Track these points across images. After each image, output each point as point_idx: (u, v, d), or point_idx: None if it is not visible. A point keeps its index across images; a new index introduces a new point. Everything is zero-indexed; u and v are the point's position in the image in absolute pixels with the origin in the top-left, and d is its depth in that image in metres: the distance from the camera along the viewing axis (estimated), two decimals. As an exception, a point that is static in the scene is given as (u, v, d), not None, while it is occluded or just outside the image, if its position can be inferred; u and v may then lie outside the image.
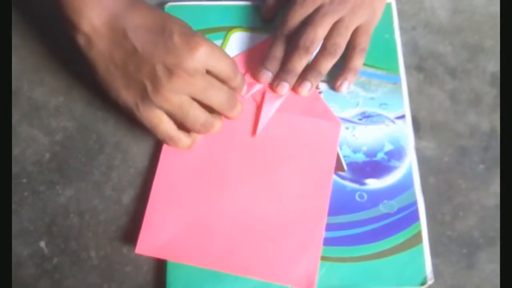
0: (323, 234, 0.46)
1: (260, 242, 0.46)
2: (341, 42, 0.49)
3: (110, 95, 0.45)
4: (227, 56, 0.45)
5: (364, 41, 0.50)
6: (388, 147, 0.49)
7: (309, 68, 0.49)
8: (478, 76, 0.53)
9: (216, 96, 0.44)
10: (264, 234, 0.46)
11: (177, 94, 0.43)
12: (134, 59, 0.43)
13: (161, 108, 0.44)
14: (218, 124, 0.47)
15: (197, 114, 0.45)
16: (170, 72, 0.42)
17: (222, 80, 0.45)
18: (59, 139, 0.50)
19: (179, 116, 0.44)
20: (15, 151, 0.49)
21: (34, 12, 0.54)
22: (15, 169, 0.49)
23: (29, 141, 0.50)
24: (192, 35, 0.42)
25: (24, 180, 0.48)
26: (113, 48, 0.43)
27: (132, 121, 0.50)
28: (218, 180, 0.48)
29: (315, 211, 0.47)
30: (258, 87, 0.51)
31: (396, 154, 0.49)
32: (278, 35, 0.51)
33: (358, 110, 0.50)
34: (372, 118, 0.50)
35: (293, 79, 0.50)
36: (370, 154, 0.49)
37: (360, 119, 0.50)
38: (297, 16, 0.50)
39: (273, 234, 0.46)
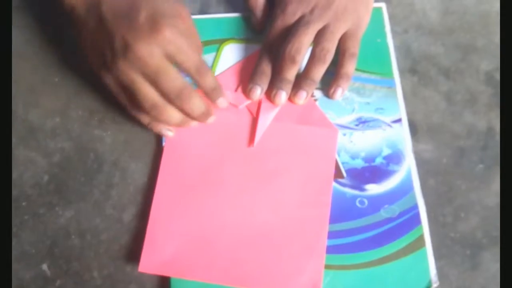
0: (325, 242, 0.46)
1: (263, 253, 0.45)
2: (329, 46, 0.49)
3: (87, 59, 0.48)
4: (191, 51, 0.44)
5: (353, 46, 0.50)
6: (386, 151, 0.49)
7: (302, 77, 0.50)
8: (472, 75, 0.53)
9: (167, 82, 0.44)
10: (267, 245, 0.46)
11: (131, 70, 0.44)
12: (101, 28, 0.45)
13: (116, 79, 0.45)
14: (171, 113, 0.46)
15: (146, 94, 0.45)
16: (127, 47, 0.43)
17: (187, 74, 0.45)
18: (57, 160, 0.50)
19: (130, 91, 0.45)
20: (14, 174, 0.49)
21: (26, 34, 0.54)
22: (14, 192, 0.48)
23: (27, 164, 0.49)
24: (161, 18, 0.43)
25: (24, 203, 0.48)
26: (88, 16, 0.46)
27: (129, 139, 0.50)
28: (218, 193, 0.48)
29: (317, 220, 0.46)
30: None
31: (395, 158, 0.49)
32: (263, 50, 0.51)
33: (354, 116, 0.50)
34: (369, 123, 0.50)
35: (288, 87, 0.50)
36: (369, 159, 0.49)
37: (356, 125, 0.50)
38: (279, 28, 0.51)
39: (276, 245, 0.46)
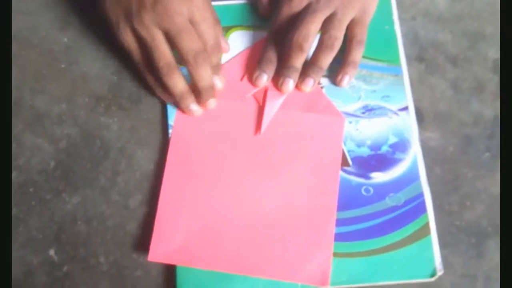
0: (333, 229, 0.46)
1: (270, 241, 0.46)
2: (337, 34, 0.48)
3: (100, 7, 0.49)
4: (214, 25, 0.49)
5: (360, 33, 0.50)
6: (393, 139, 0.49)
7: (310, 64, 0.49)
8: (480, 63, 0.53)
9: (188, 42, 0.46)
10: (274, 233, 0.46)
11: (154, 25, 0.45)
12: None
13: (135, 32, 0.46)
14: (179, 79, 0.47)
15: (163, 52, 0.46)
16: (157, 1, 0.45)
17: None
18: (64, 147, 0.50)
19: (148, 46, 0.46)
20: (20, 160, 0.49)
21: (31, 21, 0.54)
22: (21, 178, 0.49)
23: (33, 150, 0.50)
24: None
25: (31, 189, 0.49)
26: None
27: (135, 126, 0.50)
28: (225, 181, 0.48)
29: (325, 208, 0.47)
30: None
31: (401, 146, 0.49)
32: (269, 37, 0.51)
33: (360, 104, 0.50)
34: (375, 111, 0.50)
35: (295, 74, 0.49)
36: (375, 147, 0.49)
37: (363, 113, 0.50)
38: (285, 16, 0.50)
39: (283, 233, 0.46)
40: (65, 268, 0.47)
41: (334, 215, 0.46)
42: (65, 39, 0.53)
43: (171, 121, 0.50)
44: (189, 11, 0.46)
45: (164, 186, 0.47)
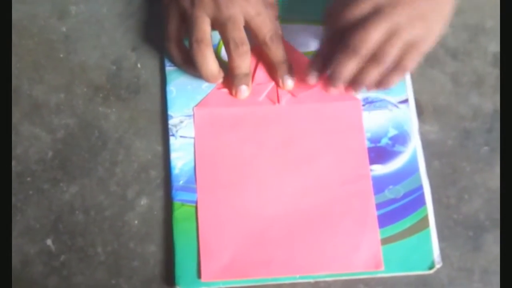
0: (375, 212, 0.46)
1: (317, 237, 0.46)
2: (392, 51, 0.43)
3: None
4: (269, 19, 0.48)
5: (408, 59, 0.43)
6: (392, 132, 0.49)
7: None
8: (480, 57, 0.53)
9: (233, 30, 0.46)
10: (319, 228, 0.46)
11: (204, 10, 0.46)
12: None
13: (181, 9, 0.47)
14: (210, 58, 0.47)
15: (203, 30, 0.46)
16: None
17: (262, 40, 0.48)
18: (61, 137, 0.50)
19: (190, 22, 0.47)
20: (18, 150, 0.49)
21: (30, 10, 0.54)
22: (18, 168, 0.48)
23: (31, 140, 0.49)
24: None
25: (28, 179, 0.48)
26: None
27: (134, 116, 0.50)
28: (259, 186, 0.47)
29: (361, 193, 0.47)
30: (270, 86, 0.50)
31: (401, 139, 0.49)
32: (327, 34, 0.47)
33: (360, 96, 0.50)
34: (375, 103, 0.50)
35: (339, 83, 0.45)
36: (374, 140, 0.49)
37: (363, 105, 0.50)
38: (350, 15, 0.44)
39: (327, 226, 0.46)
40: (62, 257, 0.47)
41: (372, 198, 0.47)
42: (64, 29, 0.53)
43: (170, 112, 0.49)
44: (242, 8, 0.46)
45: (200, 203, 0.47)
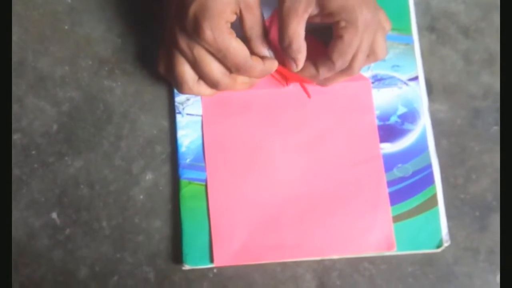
0: (387, 193, 0.46)
1: (329, 219, 0.46)
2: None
3: None
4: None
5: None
6: (402, 110, 0.48)
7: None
8: (492, 35, 0.52)
9: (231, 58, 0.41)
10: (330, 210, 0.46)
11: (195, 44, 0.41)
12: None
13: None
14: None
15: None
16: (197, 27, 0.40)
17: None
18: (66, 110, 0.49)
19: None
20: (23, 122, 0.49)
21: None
22: (24, 140, 0.48)
23: (36, 113, 0.49)
24: None
25: (34, 152, 0.48)
26: None
27: (139, 90, 0.49)
28: (270, 168, 0.47)
29: (373, 173, 0.47)
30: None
31: (410, 117, 0.48)
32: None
33: (369, 73, 0.49)
34: (385, 81, 0.49)
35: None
36: (383, 118, 0.48)
37: (372, 83, 0.49)
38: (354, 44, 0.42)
39: (339, 208, 0.46)
40: (67, 231, 0.46)
41: (383, 178, 0.46)
42: (69, 0, 0.52)
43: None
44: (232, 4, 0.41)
45: (211, 187, 0.46)
